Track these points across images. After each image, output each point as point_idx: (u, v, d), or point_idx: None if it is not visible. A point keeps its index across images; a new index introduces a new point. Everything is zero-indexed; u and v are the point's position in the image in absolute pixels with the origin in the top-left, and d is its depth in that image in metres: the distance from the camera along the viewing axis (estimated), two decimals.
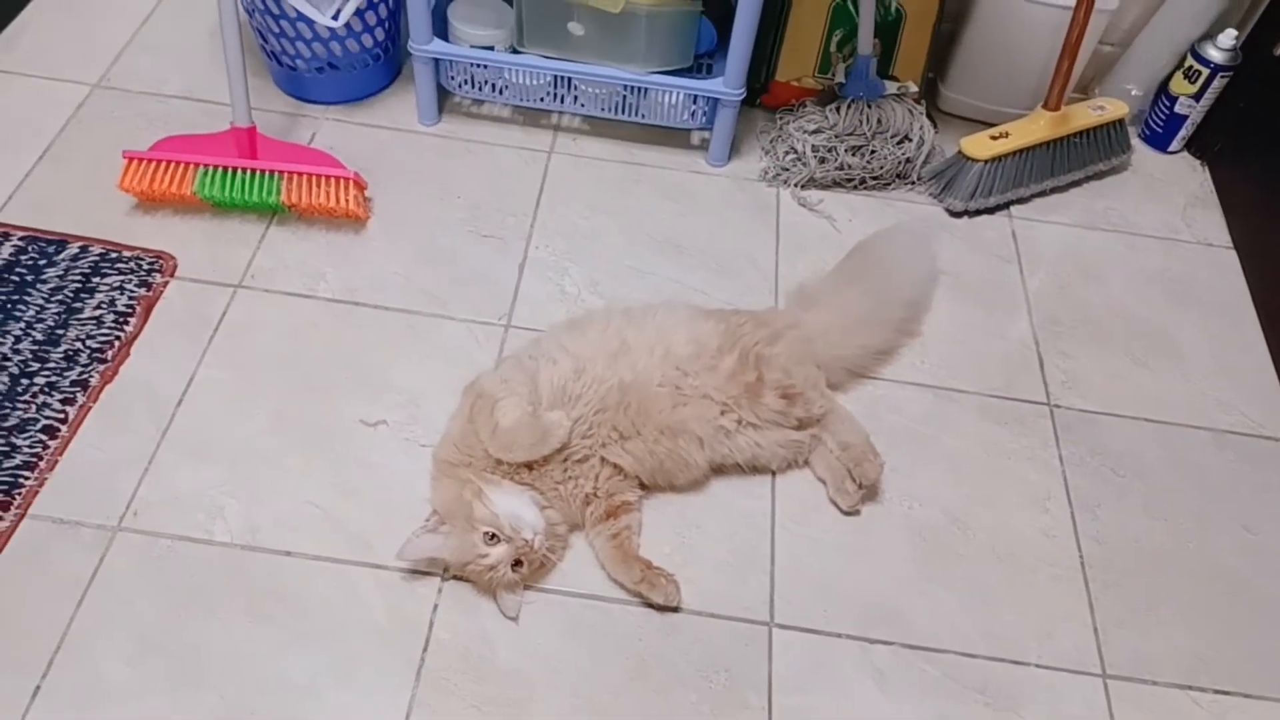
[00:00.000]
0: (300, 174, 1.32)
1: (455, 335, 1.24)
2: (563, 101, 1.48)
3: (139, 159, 1.30)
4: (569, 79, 1.44)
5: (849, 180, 1.46)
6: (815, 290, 1.23)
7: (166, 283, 1.26)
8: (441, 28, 1.45)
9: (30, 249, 1.26)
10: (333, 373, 1.19)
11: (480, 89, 1.48)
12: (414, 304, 1.27)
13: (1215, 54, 1.47)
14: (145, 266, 1.26)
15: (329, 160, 1.34)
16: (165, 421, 1.12)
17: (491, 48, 1.45)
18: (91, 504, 1.05)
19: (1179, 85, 1.52)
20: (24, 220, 1.31)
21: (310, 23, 1.39)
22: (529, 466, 1.01)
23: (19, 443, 1.08)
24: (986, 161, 1.41)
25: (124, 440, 1.10)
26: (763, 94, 1.55)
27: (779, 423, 1.08)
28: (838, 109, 1.45)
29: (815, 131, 1.44)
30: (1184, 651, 1.04)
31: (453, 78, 1.47)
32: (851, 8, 1.43)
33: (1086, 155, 1.50)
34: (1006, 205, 1.49)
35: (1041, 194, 1.51)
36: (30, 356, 1.15)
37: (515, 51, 1.45)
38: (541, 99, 1.49)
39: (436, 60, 1.44)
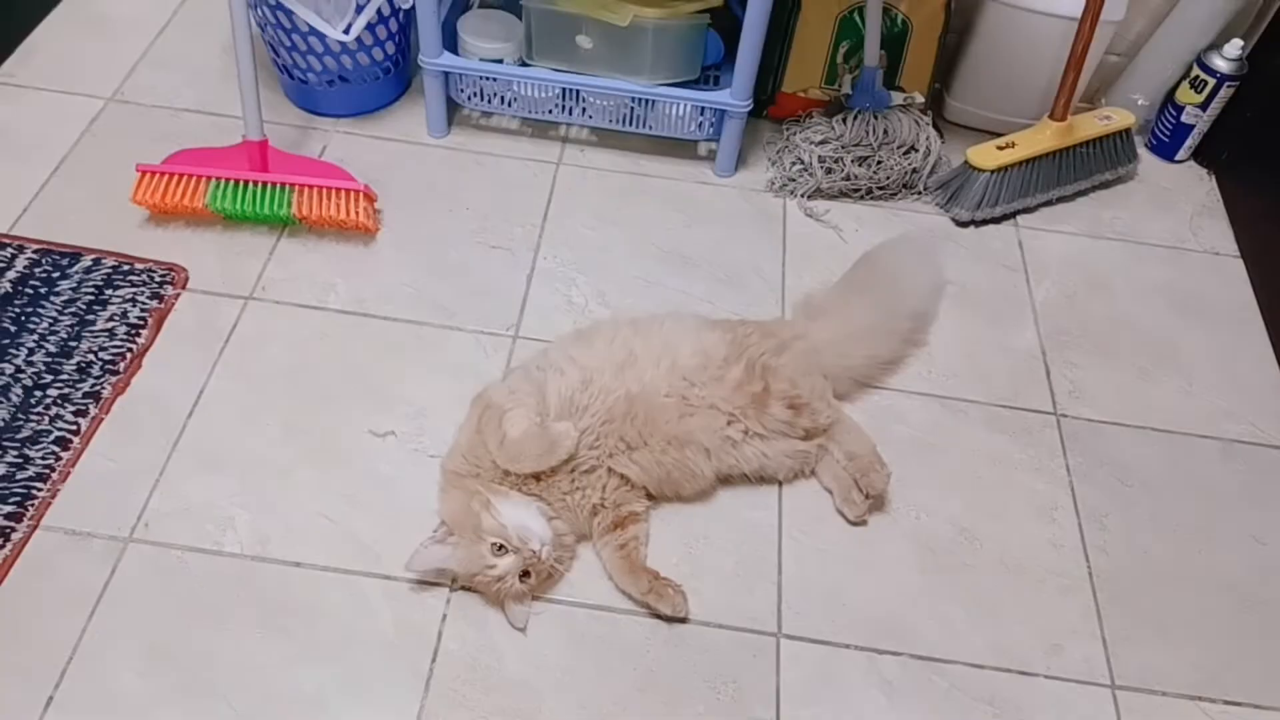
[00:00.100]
0: (311, 187, 1.32)
1: (463, 346, 1.25)
2: (571, 113, 1.49)
3: (152, 172, 1.31)
4: (577, 91, 1.45)
5: (855, 191, 1.47)
6: (822, 300, 1.23)
7: (178, 295, 1.26)
8: (451, 41, 1.46)
9: (44, 262, 1.27)
10: (342, 384, 1.19)
11: (489, 101, 1.49)
12: (423, 315, 1.28)
13: (1222, 64, 1.47)
14: (157, 279, 1.27)
15: (339, 173, 1.35)
16: (176, 433, 1.13)
17: (501, 61, 1.46)
18: (103, 515, 1.05)
19: (1185, 95, 1.52)
20: (38, 233, 1.32)
21: (322, 36, 1.40)
22: (537, 477, 1.01)
23: (31, 454, 1.08)
24: (993, 172, 1.41)
25: (135, 452, 1.11)
26: (769, 105, 1.56)
27: (785, 433, 1.08)
28: (844, 120, 1.45)
29: (822, 142, 1.44)
30: (1193, 662, 1.03)
31: (462, 90, 1.48)
32: (857, 20, 1.44)
33: (1093, 165, 1.50)
34: (1013, 215, 1.48)
35: (1048, 204, 1.50)
36: (43, 368, 1.16)
37: (524, 64, 1.46)
38: (550, 111, 1.49)
39: (446, 73, 1.45)
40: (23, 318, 1.21)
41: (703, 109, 1.44)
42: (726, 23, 1.48)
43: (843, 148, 1.43)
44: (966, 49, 1.55)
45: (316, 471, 1.11)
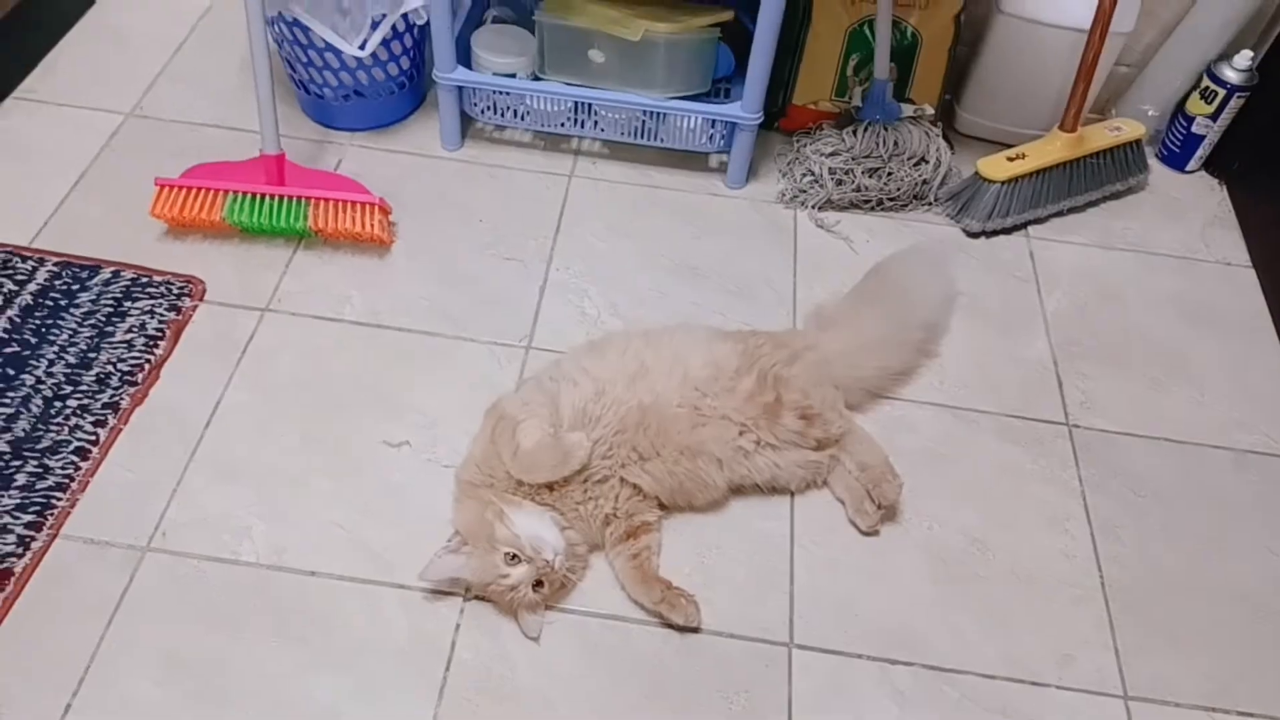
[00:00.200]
0: (327, 200, 1.35)
1: (477, 357, 1.26)
2: (583, 126, 1.51)
3: (170, 186, 1.34)
4: (589, 105, 1.47)
5: (866, 202, 1.48)
6: (833, 311, 1.24)
7: (195, 307, 1.28)
8: (465, 57, 1.48)
9: (64, 274, 1.30)
10: (356, 394, 1.21)
11: (502, 115, 1.51)
12: (437, 326, 1.29)
13: (1231, 75, 1.48)
14: (175, 291, 1.29)
15: (355, 186, 1.37)
16: (193, 443, 1.15)
17: (514, 75, 1.48)
18: (121, 525, 1.07)
19: (1195, 106, 1.53)
20: (57, 246, 1.34)
21: (338, 52, 1.42)
22: (550, 487, 1.02)
23: (51, 464, 1.10)
24: (1003, 183, 1.42)
25: (153, 462, 1.12)
26: (780, 117, 1.57)
27: (797, 443, 1.09)
28: (854, 132, 1.46)
29: (832, 154, 1.45)
30: (1206, 673, 1.03)
31: (475, 104, 1.50)
32: (867, 33, 1.45)
33: (1104, 176, 1.51)
34: (1024, 226, 1.49)
35: (1059, 214, 1.51)
36: (63, 379, 1.18)
37: (536, 78, 1.48)
38: (562, 124, 1.51)
39: (460, 87, 1.47)
40: (43, 329, 1.23)
41: (714, 122, 1.45)
42: (737, 36, 1.49)
43: (853, 159, 1.45)
44: (976, 61, 1.56)
45: (331, 481, 1.12)
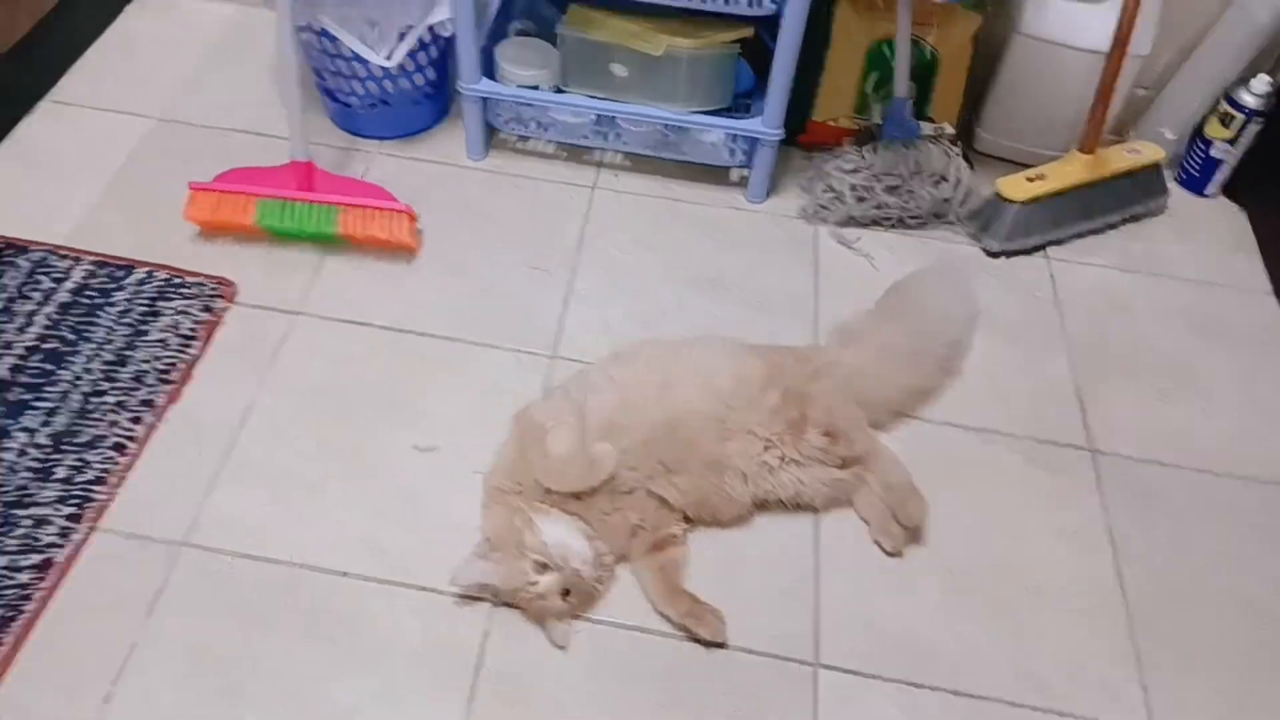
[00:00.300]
0: (355, 206, 1.42)
1: (502, 365, 1.32)
2: (606, 139, 1.58)
3: (203, 189, 1.41)
4: (611, 117, 1.53)
5: (887, 219, 1.54)
6: (856, 328, 1.29)
7: (227, 308, 1.35)
8: (490, 68, 1.55)
9: (100, 273, 1.37)
10: (383, 399, 1.27)
11: (526, 126, 1.58)
12: (463, 334, 1.36)
13: (1249, 99, 1.53)
14: (207, 292, 1.36)
15: (383, 194, 1.44)
16: (226, 442, 1.21)
17: (537, 87, 1.55)
18: (157, 519, 1.13)
19: (1214, 129, 1.59)
20: (93, 246, 1.41)
21: (365, 62, 1.49)
22: (577, 496, 1.07)
23: (90, 458, 1.17)
24: (1023, 203, 1.48)
25: (188, 459, 1.19)
26: (800, 133, 1.63)
27: (822, 460, 1.13)
28: (875, 149, 1.52)
29: (853, 171, 1.51)
30: (1227, 693, 1.07)
31: (499, 115, 1.57)
32: (887, 51, 1.52)
33: (1123, 198, 1.57)
34: (1044, 246, 1.55)
35: (1079, 236, 1.57)
36: (101, 376, 1.25)
37: (559, 91, 1.55)
38: (585, 136, 1.58)
39: (484, 99, 1.54)
40: (81, 327, 1.30)
41: (735, 136, 1.52)
42: (757, 51, 1.56)
43: (874, 177, 1.51)
44: (995, 81, 1.62)
45: (359, 483, 1.19)
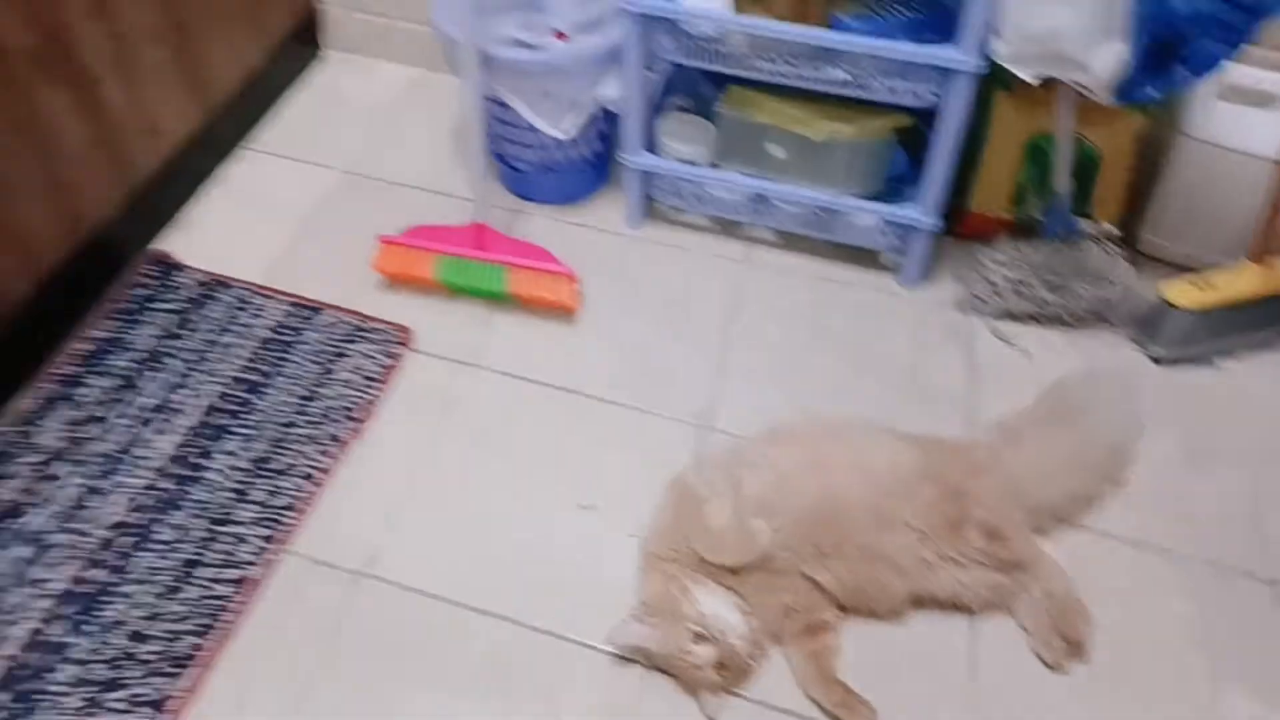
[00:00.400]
0: (524, 267, 1.55)
1: (655, 430, 1.42)
2: (759, 215, 1.68)
3: (391, 243, 1.57)
4: (766, 196, 1.64)
5: (1045, 316, 1.57)
6: (1015, 426, 1.31)
7: (405, 355, 1.50)
8: (651, 141, 1.68)
9: (295, 313, 1.54)
10: (543, 454, 1.39)
11: (683, 199, 1.70)
12: (618, 396, 1.47)
13: None
14: (389, 338, 1.51)
15: (548, 256, 1.57)
16: (403, 481, 1.35)
17: (695, 162, 1.67)
18: (339, 548, 1.27)
19: None
20: (286, 286, 1.59)
21: (537, 131, 1.64)
22: (733, 571, 1.11)
23: (283, 485, 1.32)
24: (1189, 311, 1.48)
25: (368, 493, 1.33)
26: (957, 222, 1.69)
27: (981, 561, 1.14)
28: (1033, 244, 1.56)
29: (1010, 265, 1.55)
30: None
31: (658, 187, 1.70)
32: (1046, 146, 1.57)
33: None
34: (1212, 355, 1.55)
35: (1250, 346, 1.55)
36: (293, 410, 1.41)
37: (716, 167, 1.66)
38: (739, 212, 1.69)
39: (645, 170, 1.67)
40: (277, 362, 1.47)
41: (889, 221, 1.60)
42: (913, 135, 1.64)
43: (1032, 273, 1.55)
44: (1160, 181, 1.64)
45: (522, 532, 1.30)
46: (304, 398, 1.43)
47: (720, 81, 1.65)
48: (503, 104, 1.62)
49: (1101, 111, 1.55)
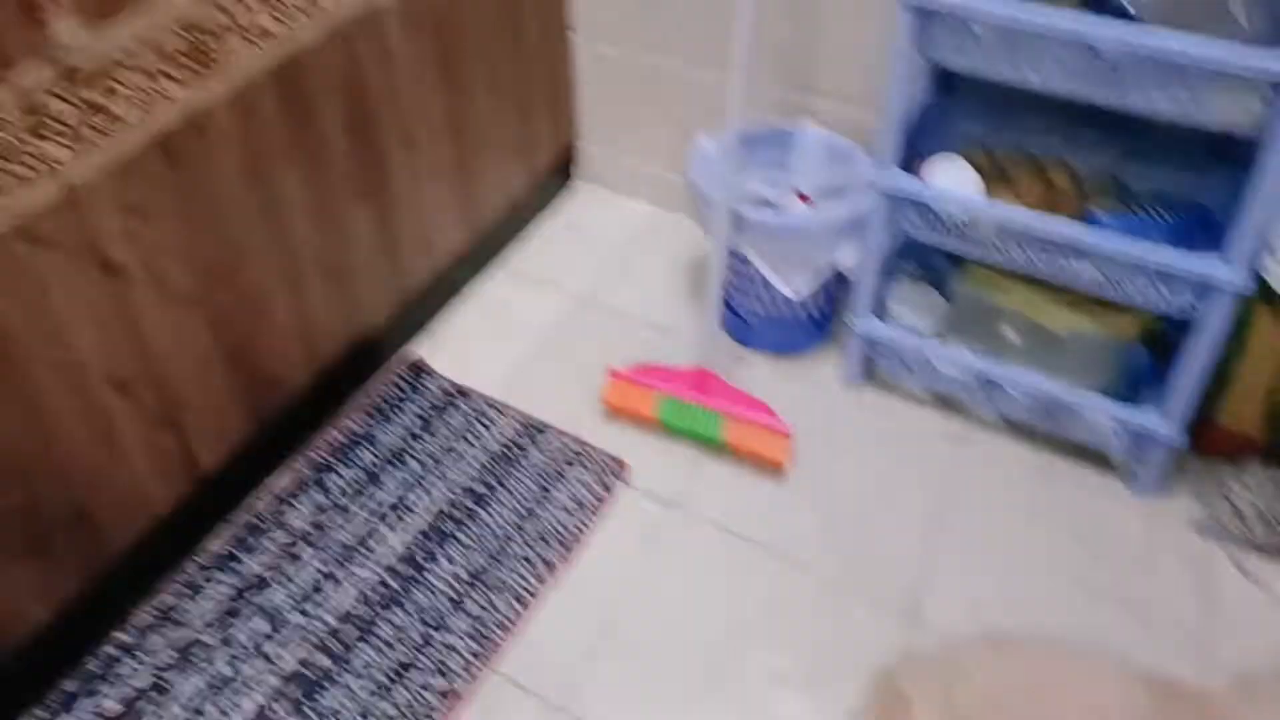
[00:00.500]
0: (742, 418, 1.59)
1: (859, 610, 1.40)
2: (985, 398, 1.65)
3: (620, 378, 1.66)
4: (995, 379, 1.61)
5: None
6: (1257, 683, 1.21)
7: (619, 488, 1.56)
8: (879, 305, 1.70)
9: (523, 431, 1.64)
10: (743, 616, 1.40)
11: (907, 369, 1.70)
12: (823, 568, 1.46)
13: None
14: (605, 469, 1.58)
15: (766, 410, 1.61)
16: (606, 619, 1.39)
17: (922, 333, 1.67)
18: (541, 677, 1.32)
19: None
20: (518, 402, 1.70)
21: (771, 287, 1.70)
22: None
23: (496, 601, 1.39)
24: None
25: (572, 625, 1.38)
26: (1200, 435, 1.58)
27: None
28: None
29: (1259, 492, 1.45)
30: None
31: (882, 351, 1.71)
32: None
33: None
34: None
35: None
36: (513, 527, 1.49)
37: (943, 339, 1.65)
38: (964, 391, 1.66)
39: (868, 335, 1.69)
40: (502, 477, 1.57)
41: (1125, 424, 1.53)
42: (1160, 336, 1.57)
43: None
44: None
45: (716, 694, 1.30)
46: (523, 516, 1.51)
47: (952, 255, 1.66)
48: (741, 258, 1.69)
49: None
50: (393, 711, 1.26)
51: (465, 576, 1.42)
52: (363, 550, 1.46)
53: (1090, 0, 1.31)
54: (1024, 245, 1.47)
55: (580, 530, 1.49)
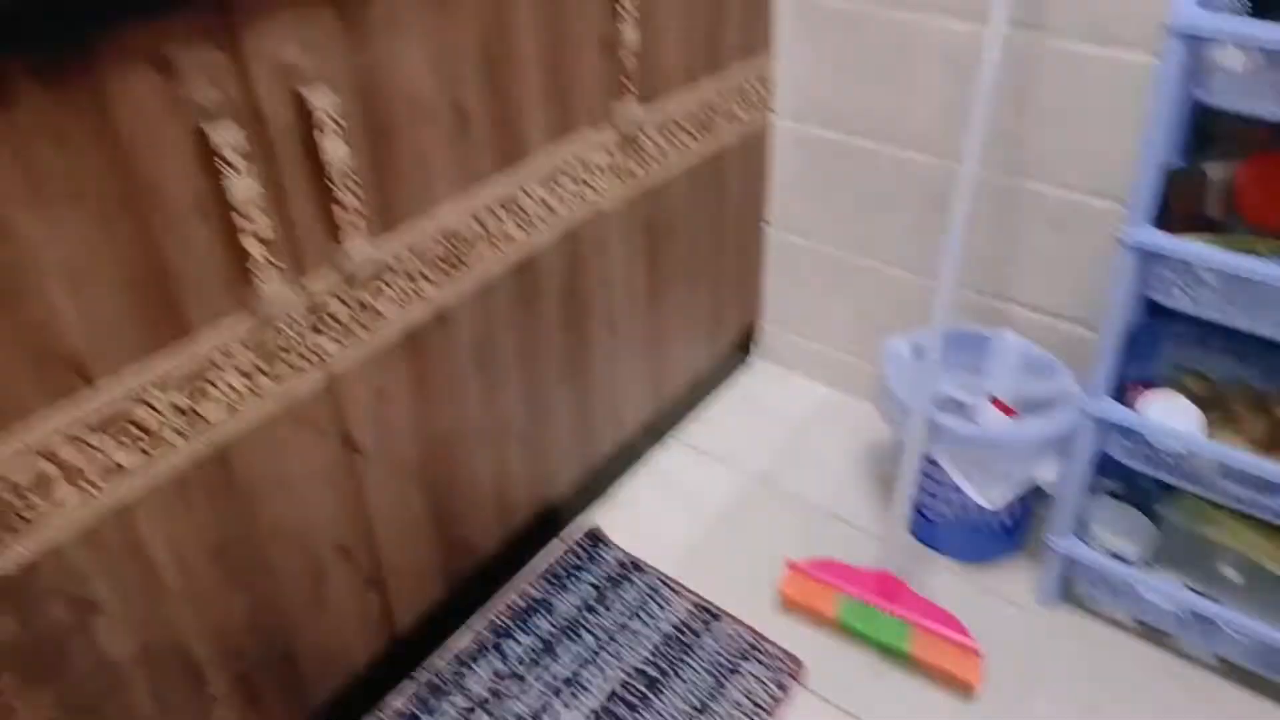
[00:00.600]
0: (929, 631, 1.54)
1: None
2: (1198, 636, 1.53)
3: (799, 571, 1.64)
4: (1209, 617, 1.49)
5: None
6: None
7: (795, 689, 1.53)
8: (1079, 523, 1.62)
9: (697, 614, 1.64)
10: None
11: (1110, 594, 1.60)
12: None
13: None
14: (781, 666, 1.55)
15: (956, 624, 1.55)
16: None
17: (1127, 560, 1.57)
18: None
19: None
20: (692, 582, 1.70)
21: (962, 493, 1.66)
22: None
23: None
24: None
25: None
26: None
27: None
28: None
29: None
30: None
31: (1081, 572, 1.62)
32: None
33: None
34: None
35: None
36: (683, 719, 1.47)
37: (1150, 567, 1.56)
38: (1173, 624, 1.55)
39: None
40: (675, 662, 1.56)
41: None
42: None
43: None
44: None
45: None
46: (695, 709, 1.49)
47: (1160, 481, 1.58)
48: (933, 461, 1.67)
49: None
50: None
51: None
52: None
53: None
54: (1247, 485, 1.38)
55: None
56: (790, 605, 1.66)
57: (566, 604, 1.67)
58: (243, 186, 0.99)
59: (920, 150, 1.78)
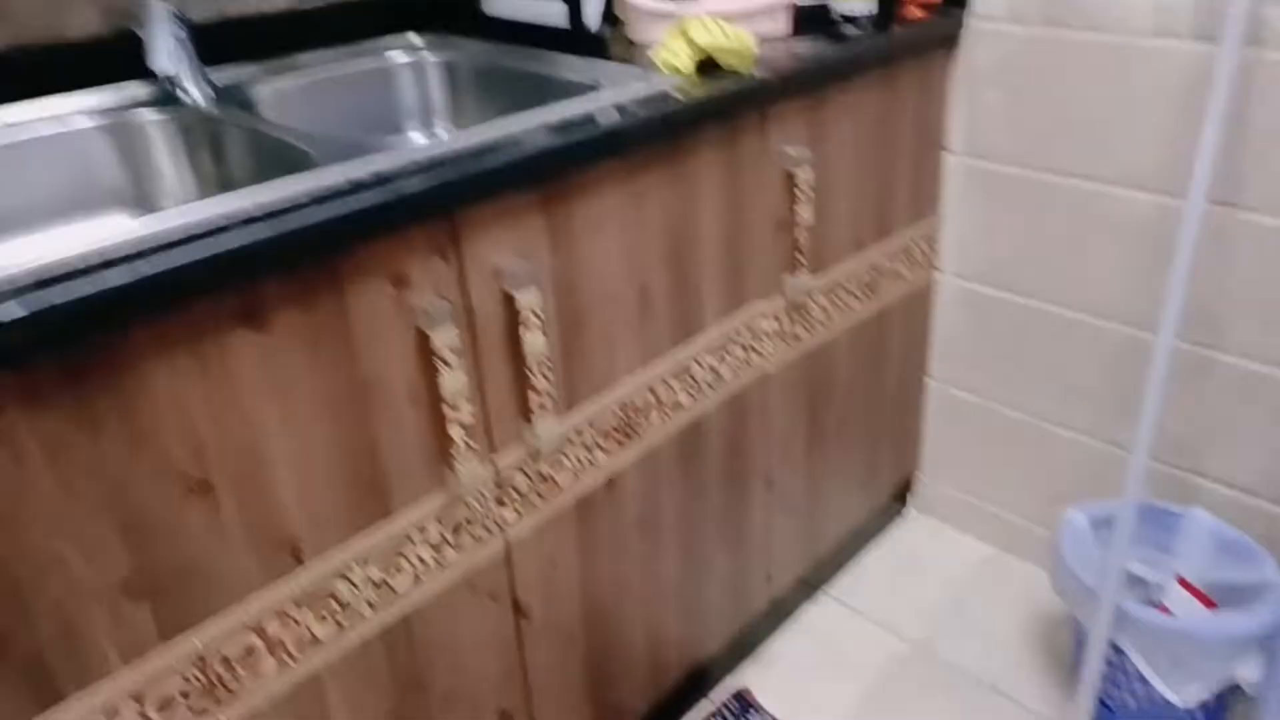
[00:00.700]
0: None
1: None
2: None
3: None
4: None
5: None
6: None
7: None
8: None
9: None
10: None
11: None
12: None
13: None
14: None
15: None
16: None
17: None
18: None
19: None
20: None
21: (1150, 685, 1.53)
22: None
23: None
24: None
25: None
26: None
27: None
28: None
29: None
30: None
31: None
32: None
33: None
34: None
35: None
36: None
37: None
38: None
39: None
40: None
41: None
42: None
43: None
44: None
45: None
46: None
47: None
48: (1117, 648, 1.56)
49: None
50: None
51: None
52: None
53: None
54: None
55: None
56: None
57: None
58: (453, 379, 1.06)
59: (1096, 315, 1.73)
